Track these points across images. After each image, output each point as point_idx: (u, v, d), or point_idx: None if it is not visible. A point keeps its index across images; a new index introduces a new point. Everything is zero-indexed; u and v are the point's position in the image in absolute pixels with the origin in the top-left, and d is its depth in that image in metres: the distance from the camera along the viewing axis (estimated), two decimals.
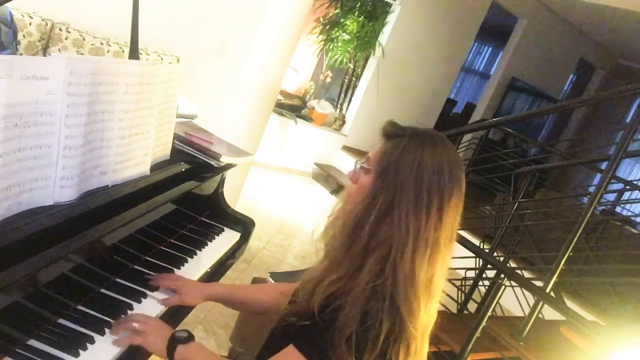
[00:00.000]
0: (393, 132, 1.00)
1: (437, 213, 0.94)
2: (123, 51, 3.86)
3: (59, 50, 3.75)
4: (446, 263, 0.98)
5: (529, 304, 2.55)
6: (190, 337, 1.06)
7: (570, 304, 3.22)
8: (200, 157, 1.56)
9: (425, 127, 1.05)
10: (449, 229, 0.96)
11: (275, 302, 1.26)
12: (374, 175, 0.97)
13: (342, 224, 1.00)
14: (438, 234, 0.94)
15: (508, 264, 3.34)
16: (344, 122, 6.49)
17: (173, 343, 1.04)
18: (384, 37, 6.13)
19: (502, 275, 2.51)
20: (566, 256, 2.27)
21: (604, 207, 5.04)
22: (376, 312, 0.88)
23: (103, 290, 1.14)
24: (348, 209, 1.00)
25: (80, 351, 0.96)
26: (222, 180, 1.74)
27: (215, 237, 1.61)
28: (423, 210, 0.93)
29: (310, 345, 0.90)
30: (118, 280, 1.20)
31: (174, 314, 1.26)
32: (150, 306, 1.18)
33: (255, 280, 2.41)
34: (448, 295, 2.69)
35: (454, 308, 2.87)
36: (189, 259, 1.43)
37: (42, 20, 3.67)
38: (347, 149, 6.36)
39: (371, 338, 0.88)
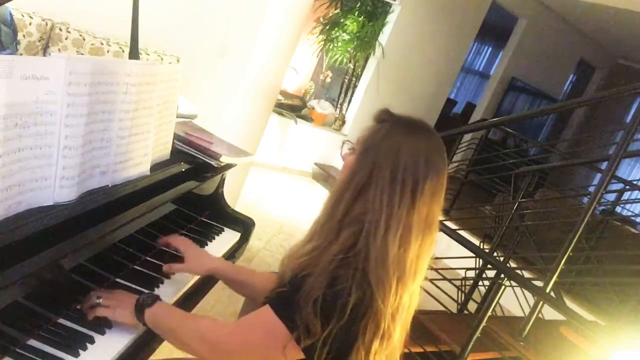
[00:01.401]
0: (381, 117, 1.05)
1: (411, 196, 0.97)
2: (123, 51, 3.87)
3: (59, 50, 3.75)
4: (423, 250, 1.00)
5: (529, 304, 2.55)
6: (155, 298, 1.07)
7: (570, 304, 3.22)
8: (200, 157, 1.56)
9: None
10: (423, 214, 0.98)
11: (268, 287, 1.27)
12: (356, 155, 1.03)
13: (325, 200, 1.06)
14: (410, 217, 0.97)
15: (508, 264, 3.34)
16: (344, 122, 6.48)
17: (140, 308, 1.05)
18: (384, 37, 6.12)
19: (502, 275, 2.51)
20: (566, 256, 2.27)
21: (604, 207, 5.04)
22: (345, 280, 0.92)
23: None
24: (335, 185, 1.06)
25: (80, 351, 0.96)
26: (222, 180, 1.74)
27: (215, 237, 1.61)
28: (397, 191, 0.96)
29: (281, 305, 0.95)
30: (118, 280, 1.20)
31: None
32: None
33: None
34: (448, 295, 2.70)
35: (454, 308, 2.87)
36: None
37: (42, 20, 3.67)
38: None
39: (339, 305, 0.91)
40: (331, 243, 0.98)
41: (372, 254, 0.94)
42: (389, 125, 1.02)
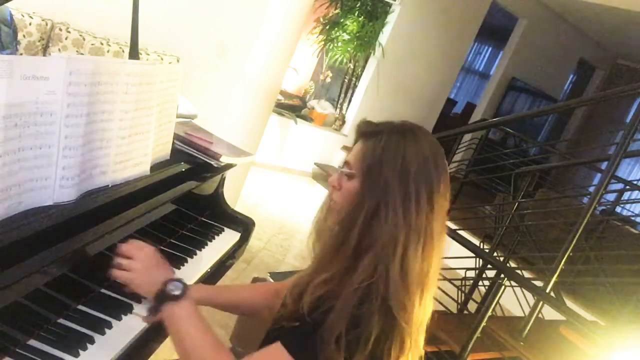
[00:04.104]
0: (370, 131, 0.98)
1: (428, 203, 0.92)
2: (123, 51, 3.87)
3: (59, 50, 3.75)
4: (440, 255, 0.96)
5: (529, 304, 2.55)
6: (182, 292, 0.98)
7: (570, 304, 3.22)
8: (200, 157, 1.56)
9: (425, 127, 1.02)
10: (441, 218, 0.94)
11: (267, 302, 1.24)
12: (359, 179, 0.95)
13: (330, 228, 0.99)
14: (432, 224, 0.92)
15: (508, 264, 3.34)
16: (344, 122, 6.49)
17: (162, 297, 0.98)
18: (384, 37, 6.13)
19: (502, 275, 2.51)
20: (566, 256, 2.27)
21: (604, 207, 5.04)
22: (368, 314, 0.87)
23: (103, 290, 1.14)
24: (335, 216, 0.98)
25: (80, 351, 0.96)
26: (222, 180, 1.74)
27: (215, 237, 1.61)
28: (412, 203, 0.91)
29: (297, 345, 0.88)
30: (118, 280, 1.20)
31: None
32: None
33: (255, 281, 2.41)
34: (448, 295, 2.70)
35: (454, 308, 2.87)
36: (188, 259, 1.43)
37: (42, 20, 3.67)
38: (347, 149, 6.37)
39: (363, 339, 0.86)
40: (350, 271, 0.91)
41: (392, 278, 0.88)
42: (384, 137, 0.94)
